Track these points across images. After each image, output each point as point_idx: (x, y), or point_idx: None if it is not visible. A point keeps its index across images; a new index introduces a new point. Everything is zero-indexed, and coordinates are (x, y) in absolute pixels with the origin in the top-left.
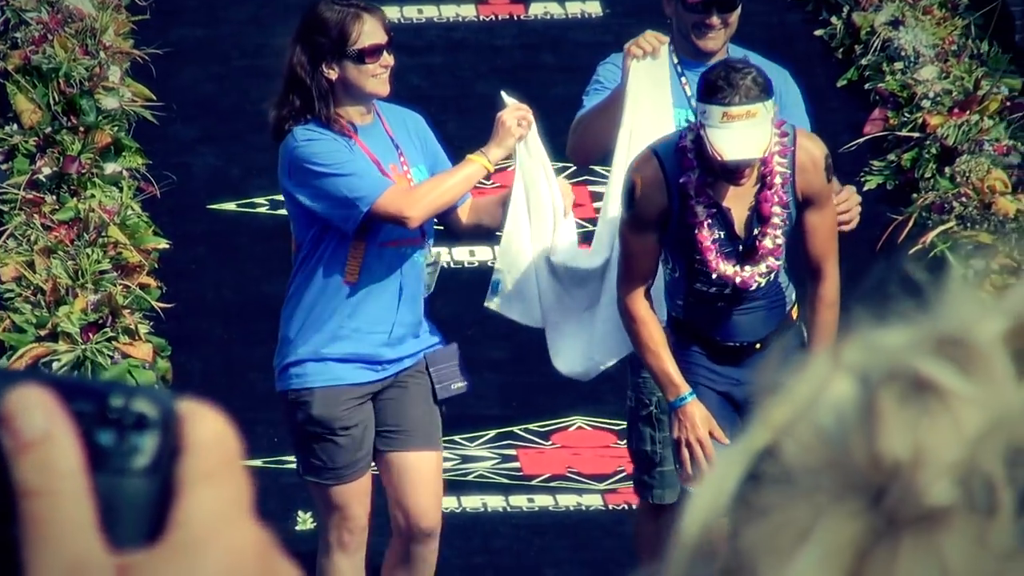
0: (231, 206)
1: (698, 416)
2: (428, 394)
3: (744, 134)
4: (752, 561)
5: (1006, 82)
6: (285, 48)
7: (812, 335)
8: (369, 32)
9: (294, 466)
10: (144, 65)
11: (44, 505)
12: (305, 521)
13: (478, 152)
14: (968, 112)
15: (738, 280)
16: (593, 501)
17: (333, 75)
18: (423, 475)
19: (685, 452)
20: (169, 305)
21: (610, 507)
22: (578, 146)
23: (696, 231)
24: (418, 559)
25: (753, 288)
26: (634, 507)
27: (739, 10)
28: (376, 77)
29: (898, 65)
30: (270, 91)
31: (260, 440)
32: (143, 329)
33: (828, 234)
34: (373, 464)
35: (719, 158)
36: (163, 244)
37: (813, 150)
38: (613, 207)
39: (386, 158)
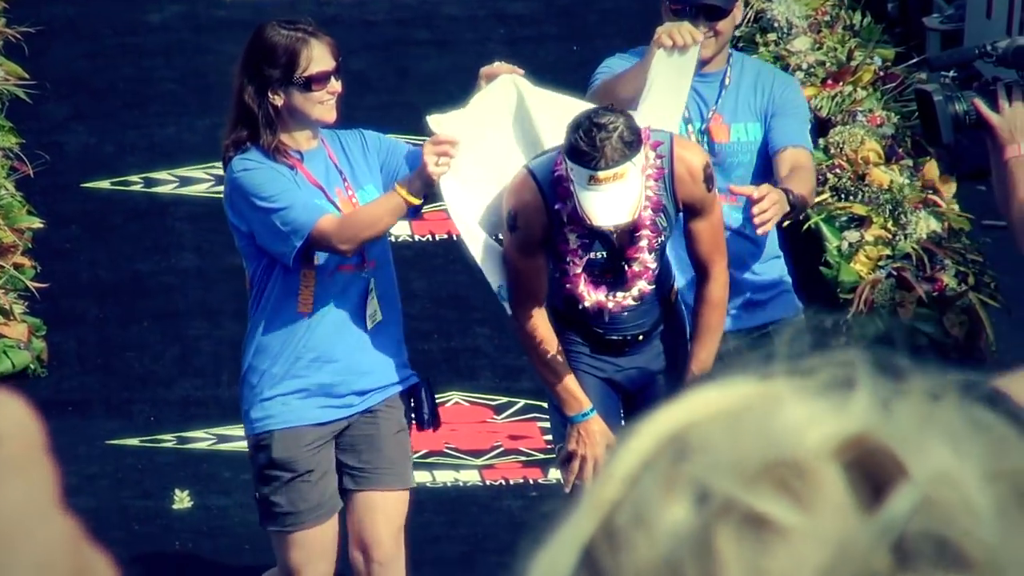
0: (105, 184)
1: (598, 433)
2: (400, 427)
3: (613, 197)
4: None
5: (879, 52)
6: (156, 30)
7: (695, 335)
8: (318, 58)
9: (171, 444)
10: (16, 44)
11: None
12: (182, 500)
13: (403, 182)
14: (841, 83)
15: (610, 305)
16: (470, 477)
17: (279, 101)
18: (388, 513)
19: (576, 466)
20: (44, 285)
21: (487, 483)
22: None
23: (568, 259)
24: None
25: (625, 312)
26: (511, 483)
27: (731, 17)
28: (323, 104)
29: (771, 36)
30: (143, 68)
31: (136, 419)
32: (18, 309)
33: (712, 238)
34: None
35: (588, 222)
36: (37, 223)
37: (691, 160)
38: None
39: (330, 183)
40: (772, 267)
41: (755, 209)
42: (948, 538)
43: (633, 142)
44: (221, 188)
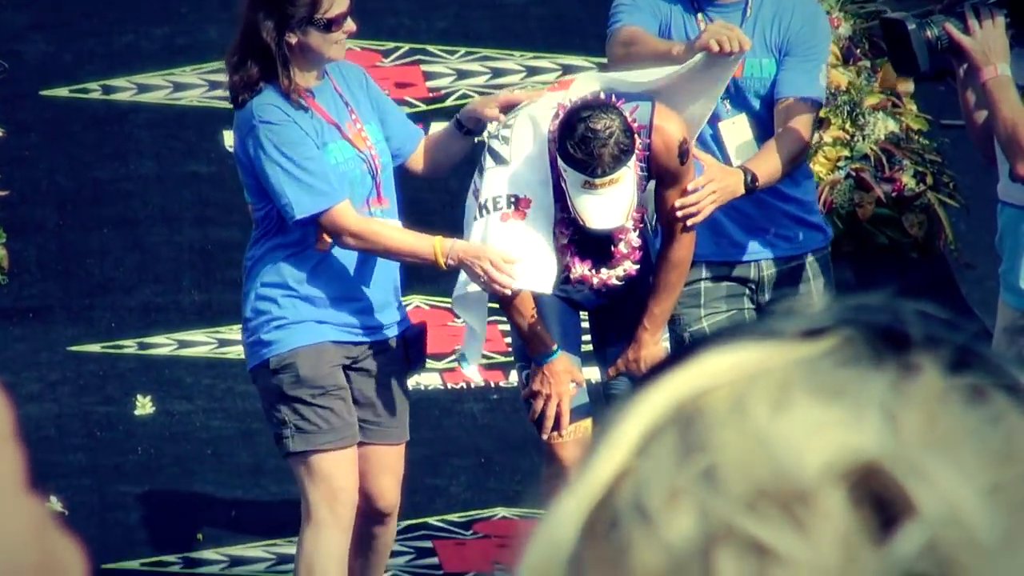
0: (63, 92)
1: (562, 372)
2: (400, 376)
3: (607, 201)
4: None
5: None
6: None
7: (653, 291)
8: (338, 1)
9: (132, 350)
10: None
11: None
12: (144, 406)
13: (448, 245)
14: None
15: (595, 282)
16: (432, 380)
17: (294, 40)
18: (393, 467)
19: (540, 404)
20: (3, 193)
21: (449, 386)
22: (622, 61)
23: (556, 229)
24: (379, 540)
25: (605, 288)
26: (472, 386)
27: None
28: (338, 44)
29: None
30: None
31: (97, 326)
32: None
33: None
34: None
35: (582, 223)
36: None
37: (668, 135)
38: None
39: (341, 118)
40: (806, 188)
41: (678, 203)
42: (951, 573)
43: (628, 147)
44: (179, 95)
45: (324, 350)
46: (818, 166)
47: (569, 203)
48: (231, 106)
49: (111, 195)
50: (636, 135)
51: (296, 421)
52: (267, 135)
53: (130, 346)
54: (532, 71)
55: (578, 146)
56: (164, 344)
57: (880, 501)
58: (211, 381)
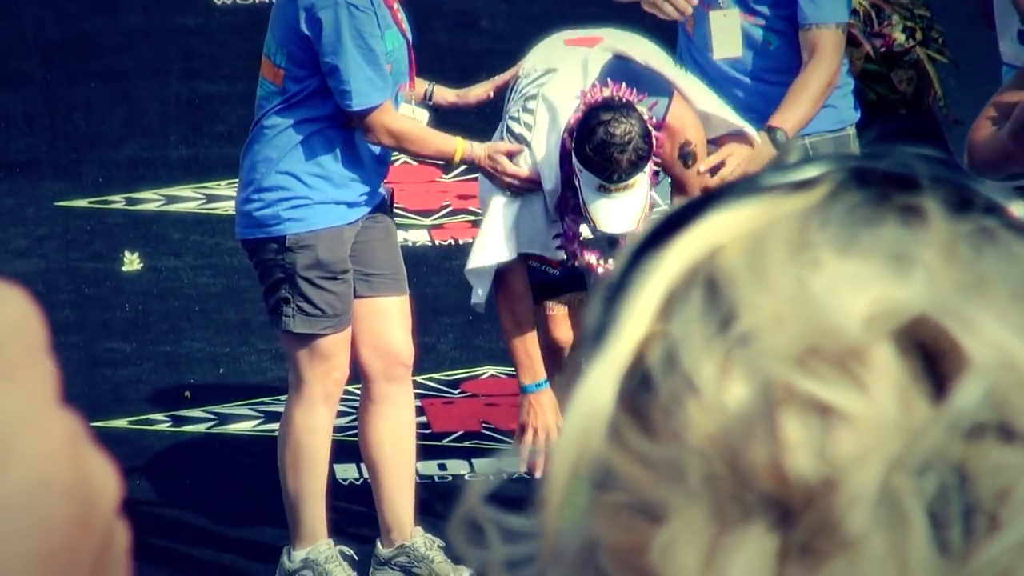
0: None
1: (549, 404)
2: (393, 230)
3: (621, 206)
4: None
5: None
6: None
7: None
8: None
9: (120, 206)
10: None
11: None
12: (132, 262)
13: (467, 145)
14: None
15: (600, 270)
16: (419, 237)
17: None
18: (397, 316)
19: (529, 437)
20: None
21: (436, 243)
22: None
23: (565, 216)
24: (401, 399)
25: None
26: (460, 242)
27: None
28: None
29: None
30: None
31: (85, 180)
32: None
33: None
34: None
35: (594, 225)
36: None
37: (675, 131)
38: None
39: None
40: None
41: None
42: (1010, 419)
43: (645, 153)
44: None
45: (342, 233)
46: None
47: (582, 203)
48: None
49: (98, 48)
50: (653, 138)
51: (300, 303)
52: (350, 18)
53: (118, 201)
54: None
55: (596, 151)
56: (152, 200)
57: (929, 359)
58: (199, 237)
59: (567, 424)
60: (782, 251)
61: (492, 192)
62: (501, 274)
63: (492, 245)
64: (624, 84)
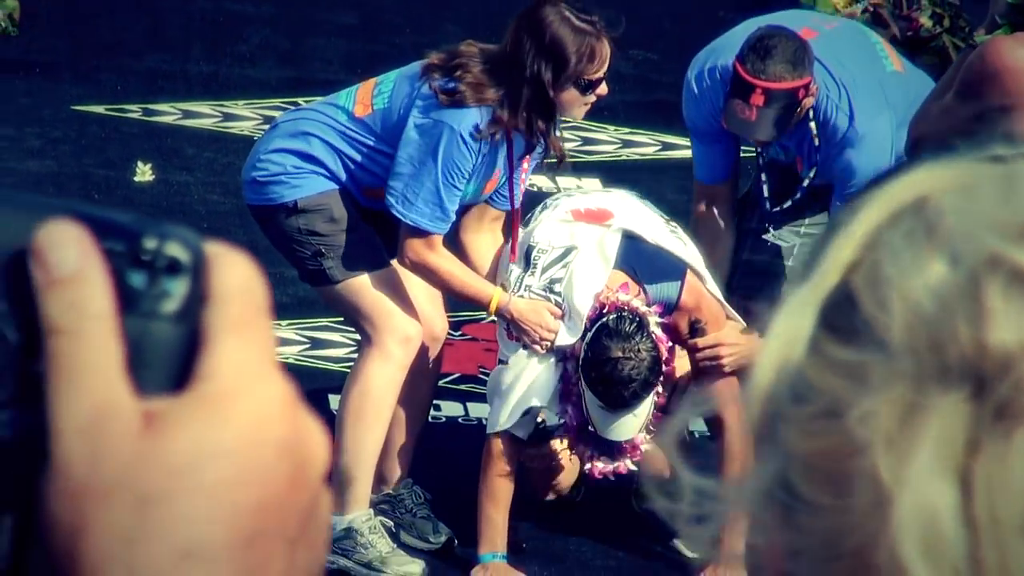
0: None
1: (504, 571)
2: None
3: (624, 421)
4: (859, 439)
5: None
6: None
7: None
8: (601, 61)
9: (137, 116)
10: None
11: (71, 344)
12: (144, 172)
13: (504, 296)
14: None
15: (586, 465)
16: None
17: (551, 93)
18: (424, 286)
19: None
20: None
21: None
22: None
23: (566, 406)
24: (434, 364)
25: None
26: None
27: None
28: (585, 105)
29: None
30: None
31: (104, 88)
32: None
33: (720, 391)
34: None
35: (592, 428)
36: None
37: (691, 313)
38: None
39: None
40: None
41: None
42: None
43: (652, 382)
44: None
45: (354, 198)
46: None
47: (584, 409)
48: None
49: None
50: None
51: (334, 251)
52: (450, 144)
53: (134, 111)
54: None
55: (603, 383)
56: (168, 112)
57: None
58: (212, 155)
59: (766, 346)
60: (992, 195)
61: (512, 348)
62: (493, 440)
63: (521, 399)
64: (638, 283)
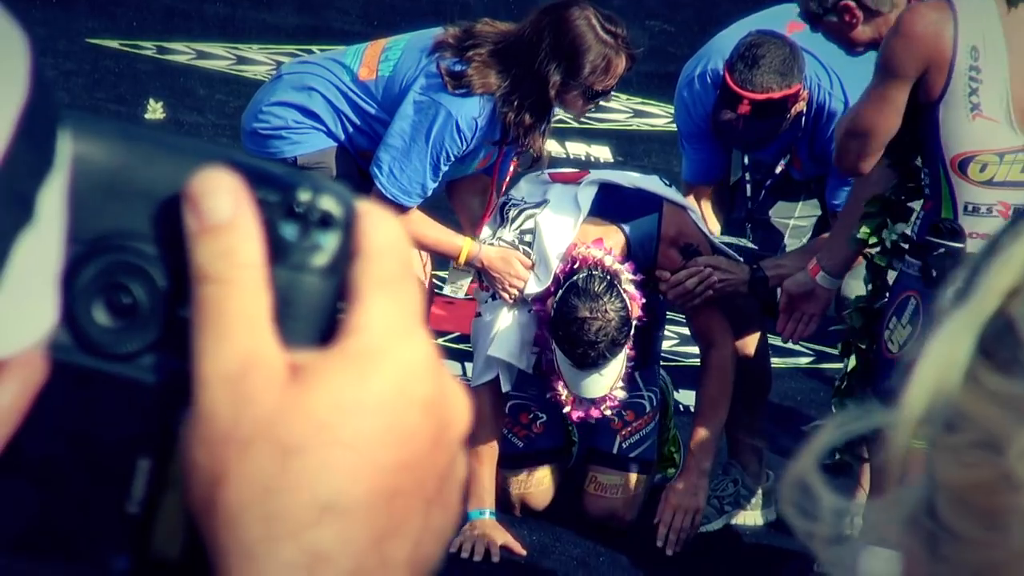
0: None
1: (491, 527)
2: None
3: (594, 379)
4: (1018, 477)
5: None
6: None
7: (696, 408)
8: (614, 75)
9: (150, 53)
10: None
11: (220, 292)
12: (155, 110)
13: (475, 246)
14: None
15: (566, 408)
16: None
17: (560, 93)
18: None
19: (468, 547)
20: None
21: None
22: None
23: (544, 353)
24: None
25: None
26: None
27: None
28: (585, 112)
29: None
30: None
31: (119, 22)
32: None
33: (706, 320)
34: None
35: (565, 387)
36: None
37: (677, 240)
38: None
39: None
40: None
41: (666, 285)
42: None
43: (620, 341)
44: None
45: (352, 157)
46: None
47: (556, 366)
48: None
49: None
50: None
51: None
52: (444, 128)
53: (148, 48)
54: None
55: (570, 342)
56: (182, 52)
57: None
58: (224, 97)
59: (920, 369)
60: None
61: (483, 298)
62: (474, 393)
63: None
64: (617, 226)
